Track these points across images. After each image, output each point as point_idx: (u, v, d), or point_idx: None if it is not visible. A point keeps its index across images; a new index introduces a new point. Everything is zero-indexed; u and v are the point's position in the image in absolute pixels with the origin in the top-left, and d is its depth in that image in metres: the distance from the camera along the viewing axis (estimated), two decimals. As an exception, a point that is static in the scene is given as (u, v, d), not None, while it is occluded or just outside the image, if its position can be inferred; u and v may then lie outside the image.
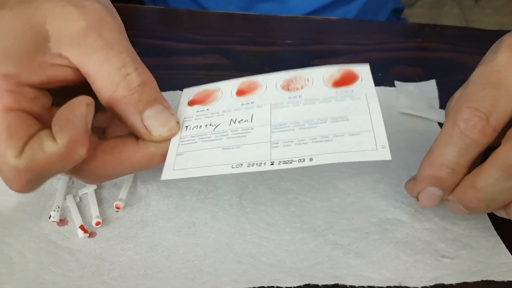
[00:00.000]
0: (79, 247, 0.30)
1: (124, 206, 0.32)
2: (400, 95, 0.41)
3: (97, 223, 0.31)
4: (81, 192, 0.33)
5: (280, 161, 0.25)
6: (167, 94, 0.41)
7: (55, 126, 0.25)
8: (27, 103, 0.26)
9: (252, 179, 0.34)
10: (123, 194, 0.32)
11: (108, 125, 0.31)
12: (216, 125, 0.29)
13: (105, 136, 0.31)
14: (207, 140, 0.28)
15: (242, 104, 0.30)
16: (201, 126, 0.29)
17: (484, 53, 0.29)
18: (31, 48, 0.26)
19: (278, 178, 0.34)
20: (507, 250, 0.30)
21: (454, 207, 0.29)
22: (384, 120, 0.39)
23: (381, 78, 0.44)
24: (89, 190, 0.33)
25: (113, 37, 0.27)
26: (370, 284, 0.28)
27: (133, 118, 0.28)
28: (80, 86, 0.29)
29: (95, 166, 0.28)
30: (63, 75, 0.28)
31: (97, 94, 0.27)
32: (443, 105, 0.40)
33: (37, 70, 0.27)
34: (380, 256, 0.30)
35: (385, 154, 0.25)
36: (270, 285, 0.28)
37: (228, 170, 0.26)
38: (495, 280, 0.28)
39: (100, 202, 0.32)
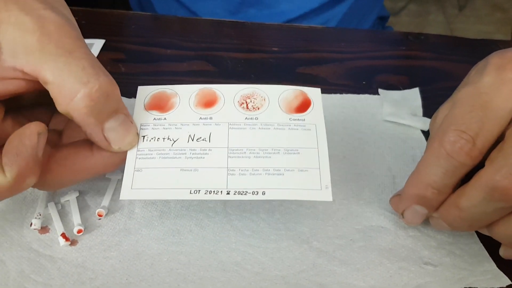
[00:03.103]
0: (61, 255, 0.29)
1: (106, 214, 0.32)
2: (384, 103, 0.41)
3: (79, 231, 0.30)
4: (63, 200, 0.32)
5: (236, 192, 0.27)
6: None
7: (4, 158, 0.25)
8: None
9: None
10: (105, 201, 0.32)
11: (65, 128, 0.30)
12: (174, 140, 0.29)
13: (61, 140, 0.30)
14: (165, 157, 0.29)
15: (201, 118, 0.30)
16: (158, 138, 0.29)
17: (468, 61, 0.29)
18: None
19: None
20: (490, 258, 0.30)
21: (438, 224, 0.29)
22: (368, 128, 0.39)
23: (366, 86, 0.44)
24: (71, 198, 0.32)
25: (72, 44, 0.26)
26: (354, 292, 0.28)
27: (93, 129, 0.27)
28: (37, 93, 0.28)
29: (49, 179, 0.27)
30: (15, 88, 0.27)
31: (55, 101, 0.26)
32: (426, 113, 0.41)
33: None
34: (364, 263, 0.30)
35: (327, 195, 0.28)
36: (254, 293, 0.28)
37: (186, 195, 0.27)
38: (479, 287, 0.28)
39: (82, 210, 0.32)
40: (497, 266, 0.30)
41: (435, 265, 0.30)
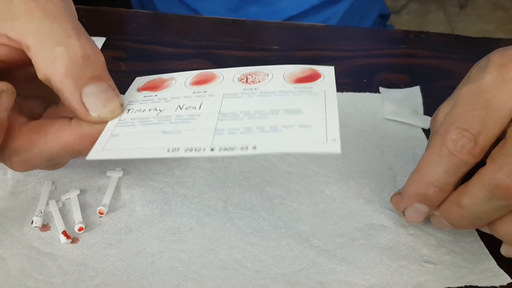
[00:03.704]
0: (62, 253, 0.29)
1: (107, 212, 0.32)
2: (385, 101, 0.41)
3: (80, 229, 0.30)
4: (64, 197, 0.32)
5: (221, 148, 0.24)
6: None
7: None
8: None
9: (238, 184, 0.34)
10: (106, 199, 0.32)
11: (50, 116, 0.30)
12: (161, 110, 0.27)
13: None
14: (147, 124, 0.26)
15: (194, 92, 0.28)
16: (144, 110, 0.27)
17: (469, 60, 0.29)
18: None
19: (264, 183, 0.34)
20: (491, 256, 0.30)
21: (440, 222, 0.29)
22: (369, 126, 0.39)
23: (366, 84, 0.44)
24: (72, 195, 0.32)
25: (57, 11, 0.26)
26: (354, 290, 0.28)
27: (70, 93, 0.25)
28: (28, 75, 0.27)
29: (18, 145, 0.26)
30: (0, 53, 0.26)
31: (36, 70, 0.26)
32: (427, 111, 0.41)
33: None
34: (364, 261, 0.30)
35: (335, 147, 0.23)
36: (255, 291, 0.28)
37: (163, 153, 0.24)
38: (479, 285, 0.28)
39: (83, 208, 0.32)
40: (498, 264, 0.29)
41: (436, 263, 0.30)
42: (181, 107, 0.26)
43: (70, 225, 0.31)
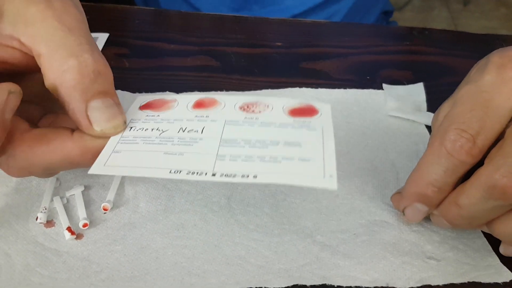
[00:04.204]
0: (66, 249, 0.29)
1: (111, 208, 0.32)
2: (388, 98, 0.41)
3: (84, 225, 0.30)
4: (68, 194, 0.32)
5: (223, 174, 0.24)
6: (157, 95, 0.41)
7: None
8: None
9: (241, 181, 0.34)
10: (110, 195, 0.32)
11: (49, 124, 0.30)
12: (164, 130, 0.27)
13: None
14: (150, 143, 0.26)
15: (196, 116, 0.28)
16: (146, 129, 0.27)
17: (472, 57, 0.29)
18: None
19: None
20: (494, 252, 0.30)
21: (439, 221, 0.29)
22: (372, 123, 0.39)
23: (370, 81, 0.44)
24: (76, 192, 0.32)
25: (73, 23, 0.26)
26: (357, 285, 0.28)
27: (77, 105, 0.26)
28: (32, 81, 0.28)
29: (19, 152, 0.26)
30: (8, 56, 0.27)
31: (44, 76, 0.26)
32: (430, 108, 0.41)
33: None
34: (367, 257, 0.30)
35: (332, 183, 0.24)
36: (258, 286, 0.28)
37: (165, 174, 0.24)
38: (482, 282, 0.28)
39: (87, 204, 0.32)
40: (501, 261, 0.30)
41: (438, 260, 0.30)
42: (183, 129, 0.27)
43: (74, 221, 0.31)
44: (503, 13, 1.69)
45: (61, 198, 0.32)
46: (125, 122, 0.27)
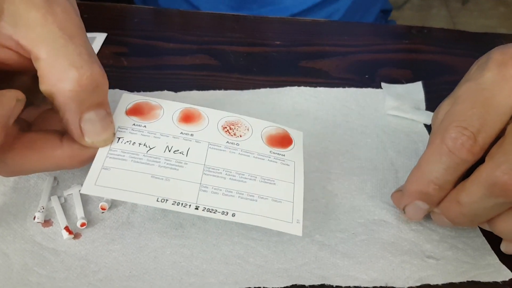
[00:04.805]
0: (64, 248, 0.29)
1: (109, 207, 0.32)
2: (387, 97, 0.41)
3: (82, 224, 0.30)
4: (66, 193, 0.32)
5: (205, 208, 0.27)
6: (154, 94, 0.40)
7: None
8: None
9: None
10: (109, 194, 0.32)
11: (35, 120, 0.30)
12: (151, 147, 0.29)
13: (30, 129, 0.29)
14: (137, 162, 0.28)
15: (181, 133, 0.30)
16: (134, 143, 0.29)
17: (471, 55, 0.29)
18: None
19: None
20: (493, 251, 0.30)
21: (440, 219, 0.29)
22: (371, 121, 0.39)
23: (368, 80, 0.44)
24: (74, 191, 0.32)
25: (74, 31, 0.26)
26: (356, 285, 0.28)
27: (71, 116, 0.26)
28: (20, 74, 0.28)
29: (11, 158, 0.27)
30: (5, 57, 0.27)
31: (41, 80, 0.26)
32: (429, 106, 0.41)
33: None
34: (366, 256, 0.30)
35: (298, 230, 0.28)
36: (257, 285, 0.28)
37: (152, 202, 0.27)
38: (481, 280, 0.28)
39: (85, 203, 0.32)
40: (500, 260, 0.30)
41: (438, 259, 0.30)
42: (169, 149, 0.29)
43: (72, 221, 0.31)
44: (502, 12, 1.69)
45: (59, 197, 0.32)
46: (114, 134, 0.29)
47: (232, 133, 0.31)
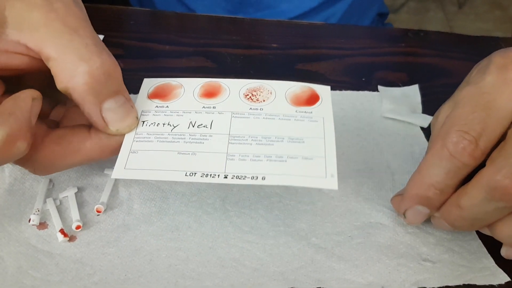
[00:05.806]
0: (59, 251, 0.29)
1: (105, 210, 0.31)
2: (383, 100, 0.41)
3: (78, 227, 0.30)
4: (61, 195, 0.32)
5: (234, 176, 0.27)
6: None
7: None
8: None
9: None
10: (104, 197, 0.32)
11: (63, 118, 0.30)
12: (175, 125, 0.29)
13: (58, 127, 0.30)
14: (163, 141, 0.28)
15: (204, 107, 0.30)
16: (158, 124, 0.29)
17: (468, 58, 0.29)
18: None
19: (262, 182, 0.34)
20: (489, 255, 0.30)
21: (440, 223, 0.29)
22: (367, 124, 0.39)
23: (365, 83, 0.44)
24: (69, 193, 0.32)
25: (77, 23, 0.27)
26: (353, 288, 0.28)
27: (91, 108, 0.27)
28: (37, 75, 0.28)
29: (42, 156, 0.27)
30: (18, 63, 0.27)
31: (55, 78, 0.26)
32: (426, 110, 0.41)
33: None
34: (363, 259, 0.30)
35: (333, 183, 0.26)
36: (253, 289, 0.28)
37: (181, 177, 0.27)
38: (477, 284, 0.28)
39: (80, 206, 0.32)
40: (496, 263, 0.30)
41: (434, 262, 0.30)
42: (193, 124, 0.29)
43: (67, 223, 0.31)
44: (498, 16, 1.70)
45: (54, 200, 0.32)
46: (137, 118, 0.29)
47: (255, 99, 0.30)
